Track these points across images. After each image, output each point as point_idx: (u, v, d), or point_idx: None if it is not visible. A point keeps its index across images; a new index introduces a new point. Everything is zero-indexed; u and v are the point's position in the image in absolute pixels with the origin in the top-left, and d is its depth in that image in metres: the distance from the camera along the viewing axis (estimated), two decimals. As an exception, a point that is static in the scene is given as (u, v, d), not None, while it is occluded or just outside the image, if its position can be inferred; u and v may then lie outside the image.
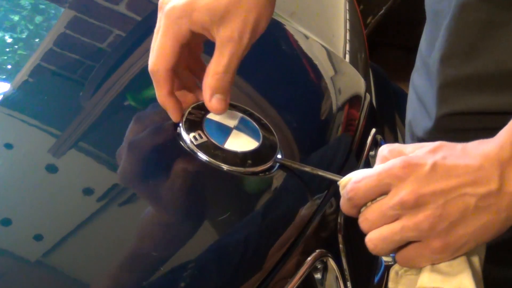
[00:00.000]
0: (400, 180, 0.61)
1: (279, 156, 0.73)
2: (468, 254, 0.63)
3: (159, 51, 0.68)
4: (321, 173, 0.70)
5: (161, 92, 0.69)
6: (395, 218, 0.61)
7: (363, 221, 0.63)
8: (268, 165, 0.71)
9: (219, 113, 0.70)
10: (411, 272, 0.64)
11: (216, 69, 0.68)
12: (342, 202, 0.65)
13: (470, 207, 0.60)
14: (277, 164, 0.72)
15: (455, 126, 0.86)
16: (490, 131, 0.83)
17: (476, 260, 0.64)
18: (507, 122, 0.77)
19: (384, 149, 0.64)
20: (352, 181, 0.63)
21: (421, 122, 0.91)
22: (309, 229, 0.69)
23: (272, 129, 0.75)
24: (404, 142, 1.05)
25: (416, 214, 0.60)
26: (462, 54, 0.81)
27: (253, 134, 0.73)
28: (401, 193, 0.60)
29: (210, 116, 0.73)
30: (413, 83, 0.96)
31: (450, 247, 0.61)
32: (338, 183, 0.67)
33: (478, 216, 0.60)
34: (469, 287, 0.62)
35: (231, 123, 0.73)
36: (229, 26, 0.67)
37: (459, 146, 0.63)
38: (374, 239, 0.62)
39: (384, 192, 0.62)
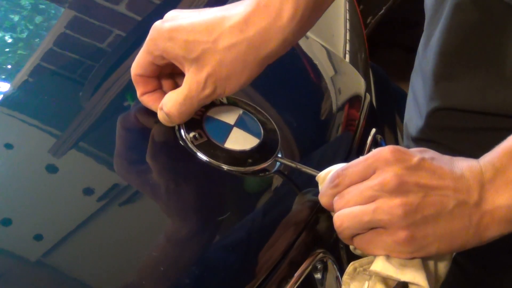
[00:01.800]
0: (387, 164, 0.61)
1: (279, 155, 0.73)
2: (425, 259, 0.62)
3: (136, 58, 0.70)
4: (299, 166, 0.70)
5: (137, 92, 0.72)
6: (371, 200, 0.61)
7: (337, 199, 0.62)
8: (269, 164, 0.71)
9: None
10: (369, 272, 0.63)
11: (176, 98, 0.68)
12: (323, 193, 0.64)
13: (446, 208, 0.60)
14: (277, 163, 0.72)
15: (444, 124, 0.87)
16: (478, 131, 0.84)
17: (431, 264, 0.63)
18: (495, 124, 0.78)
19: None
20: (339, 169, 0.63)
21: (414, 121, 0.92)
22: (309, 229, 0.69)
23: (274, 125, 0.75)
24: (403, 142, 1.05)
25: (393, 199, 0.60)
26: (455, 52, 0.82)
27: (254, 131, 0.73)
28: (385, 175, 0.60)
29: (211, 113, 0.73)
30: (411, 84, 0.97)
31: (414, 242, 0.60)
32: (316, 178, 0.67)
33: (451, 221, 0.60)
34: (421, 283, 0.61)
35: (232, 120, 0.73)
36: (198, 70, 0.66)
37: (446, 156, 0.64)
38: (342, 215, 0.62)
39: (368, 177, 0.61)
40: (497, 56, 0.78)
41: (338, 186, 0.63)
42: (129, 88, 0.73)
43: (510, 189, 0.61)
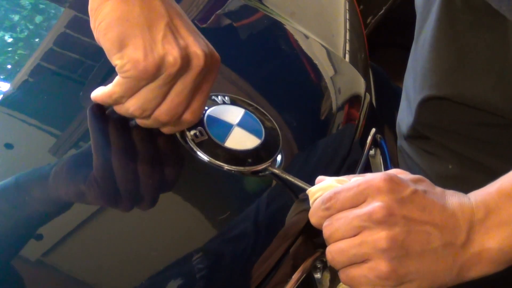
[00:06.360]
0: (379, 193, 0.60)
1: (279, 157, 0.73)
2: None
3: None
4: (290, 178, 0.70)
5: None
6: (358, 232, 0.60)
7: (327, 226, 0.63)
8: (269, 163, 0.71)
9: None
10: None
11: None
12: (313, 212, 0.64)
13: (431, 246, 0.60)
14: (277, 163, 0.72)
15: (433, 117, 0.87)
16: (466, 126, 0.84)
17: None
18: (483, 119, 0.77)
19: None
20: (331, 191, 0.63)
21: (406, 119, 0.92)
22: (309, 228, 0.69)
23: (276, 125, 0.75)
24: (397, 143, 1.05)
25: (378, 232, 0.60)
26: (445, 48, 0.82)
27: (255, 130, 0.73)
28: (374, 205, 0.60)
29: (212, 112, 0.73)
30: (404, 84, 0.97)
31: (395, 277, 0.60)
32: (307, 191, 0.67)
33: (435, 261, 0.60)
34: None
35: (233, 119, 0.73)
36: None
37: (438, 188, 0.63)
38: (332, 251, 0.62)
39: (358, 205, 0.61)
40: (489, 54, 0.79)
41: (329, 209, 0.63)
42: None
43: (501, 231, 0.60)
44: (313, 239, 0.70)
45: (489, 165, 0.64)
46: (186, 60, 0.63)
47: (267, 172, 0.71)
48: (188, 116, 0.67)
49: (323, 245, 0.70)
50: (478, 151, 0.84)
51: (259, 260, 0.66)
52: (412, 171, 0.66)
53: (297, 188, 0.72)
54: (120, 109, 0.66)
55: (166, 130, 0.69)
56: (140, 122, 0.68)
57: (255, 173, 0.71)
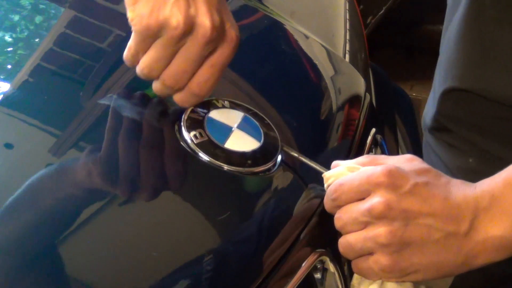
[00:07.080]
0: (378, 187, 0.61)
1: (279, 158, 0.73)
2: (415, 283, 0.63)
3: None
4: (308, 161, 0.71)
5: None
6: (363, 226, 0.62)
7: (337, 219, 0.64)
8: (269, 165, 0.71)
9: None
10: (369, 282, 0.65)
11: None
12: (326, 200, 0.66)
13: (432, 238, 0.60)
14: (277, 164, 0.72)
15: (455, 109, 0.87)
16: (487, 119, 0.83)
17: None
18: (507, 114, 0.77)
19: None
20: (337, 183, 0.64)
21: (430, 111, 0.92)
22: (309, 229, 0.69)
23: (275, 129, 0.75)
24: (403, 142, 1.05)
25: (379, 227, 0.61)
26: (470, 41, 0.82)
27: (254, 133, 0.73)
28: (374, 200, 0.61)
29: (212, 115, 0.73)
30: (434, 77, 0.97)
31: (398, 270, 0.61)
32: (323, 175, 0.67)
33: (438, 251, 0.61)
34: None
35: (233, 122, 0.73)
36: None
37: (443, 179, 0.63)
38: (342, 243, 0.64)
39: (364, 197, 0.62)
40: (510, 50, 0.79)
41: (336, 200, 0.64)
42: (129, 88, 0.73)
43: (505, 219, 0.60)
44: (313, 239, 0.70)
45: (510, 160, 0.64)
46: (189, 27, 0.64)
47: (276, 169, 0.71)
48: (194, 87, 0.68)
49: (323, 245, 0.70)
50: (498, 145, 0.84)
51: (259, 260, 0.66)
52: (435, 164, 0.66)
53: (299, 187, 0.72)
54: (137, 69, 0.68)
55: (177, 98, 0.70)
56: (153, 86, 0.69)
57: (256, 173, 0.71)
